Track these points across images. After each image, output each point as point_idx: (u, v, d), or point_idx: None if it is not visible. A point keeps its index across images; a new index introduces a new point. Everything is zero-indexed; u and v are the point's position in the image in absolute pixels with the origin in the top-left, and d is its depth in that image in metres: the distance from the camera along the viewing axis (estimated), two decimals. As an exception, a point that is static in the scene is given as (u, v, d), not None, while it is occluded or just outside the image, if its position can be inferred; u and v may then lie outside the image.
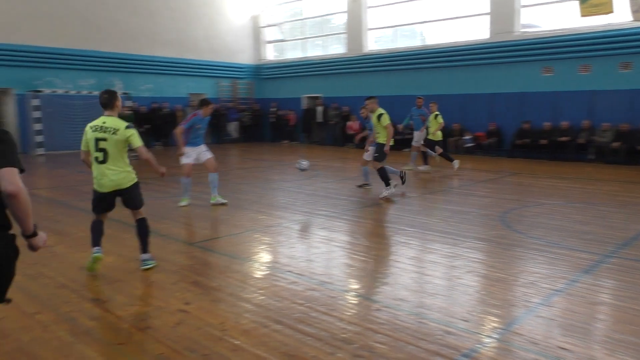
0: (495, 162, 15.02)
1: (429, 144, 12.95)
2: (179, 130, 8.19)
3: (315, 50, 23.38)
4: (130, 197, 5.08)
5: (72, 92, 18.68)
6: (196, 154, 8.46)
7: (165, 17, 21.49)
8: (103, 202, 5.03)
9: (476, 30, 17.78)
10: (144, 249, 5.16)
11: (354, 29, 21.17)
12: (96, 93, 18.80)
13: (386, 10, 20.36)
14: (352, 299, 4.37)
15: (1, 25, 17.12)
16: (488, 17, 17.21)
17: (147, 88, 21.23)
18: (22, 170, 2.47)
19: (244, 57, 24.69)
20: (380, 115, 8.97)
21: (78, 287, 4.63)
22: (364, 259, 5.58)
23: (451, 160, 12.62)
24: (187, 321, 3.87)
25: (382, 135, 8.95)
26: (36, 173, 13.40)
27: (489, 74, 17.27)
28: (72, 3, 18.80)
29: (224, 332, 3.69)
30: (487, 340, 3.57)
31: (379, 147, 9.03)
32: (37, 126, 17.75)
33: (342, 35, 22.05)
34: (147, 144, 18.86)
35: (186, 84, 22.61)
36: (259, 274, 5.06)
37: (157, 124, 20.71)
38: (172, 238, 6.37)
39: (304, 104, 23.01)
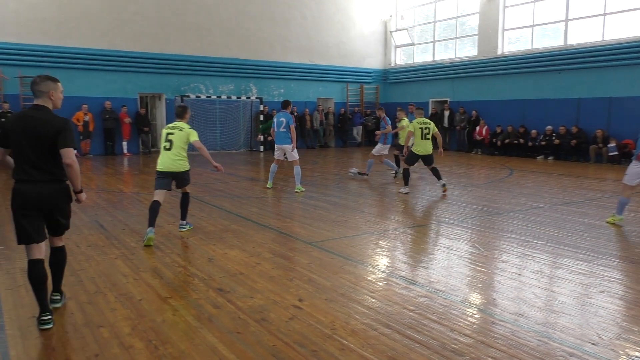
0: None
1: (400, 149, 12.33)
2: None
3: (445, 53, 22.81)
4: (182, 179, 6.76)
5: (213, 97, 20.26)
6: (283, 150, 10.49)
7: (298, 25, 22.44)
8: (162, 178, 6.63)
9: (628, 26, 16.07)
10: (184, 216, 7.01)
11: (487, 30, 20.31)
12: (234, 98, 20.24)
13: (525, 9, 19.18)
14: (467, 310, 4.21)
15: (156, 37, 19.16)
16: (642, 12, 15.51)
17: (279, 93, 22.31)
18: (76, 149, 3.98)
19: (372, 61, 24.90)
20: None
21: (205, 276, 5.02)
22: (482, 269, 5.34)
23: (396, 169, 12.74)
24: (300, 317, 4.02)
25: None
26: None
27: (642, 74, 15.54)
28: (218, 14, 20.42)
29: (334, 331, 3.77)
30: (616, 368, 3.24)
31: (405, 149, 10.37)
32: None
33: (473, 38, 21.26)
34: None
35: (315, 88, 23.38)
36: (371, 277, 5.08)
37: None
38: (292, 236, 6.64)
39: (431, 109, 22.56)
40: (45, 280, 3.89)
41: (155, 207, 6.41)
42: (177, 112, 6.98)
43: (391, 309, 4.20)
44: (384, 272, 5.24)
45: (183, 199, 6.97)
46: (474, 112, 20.33)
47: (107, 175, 13.19)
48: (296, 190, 10.15)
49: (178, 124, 6.79)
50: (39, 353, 3.43)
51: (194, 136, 6.69)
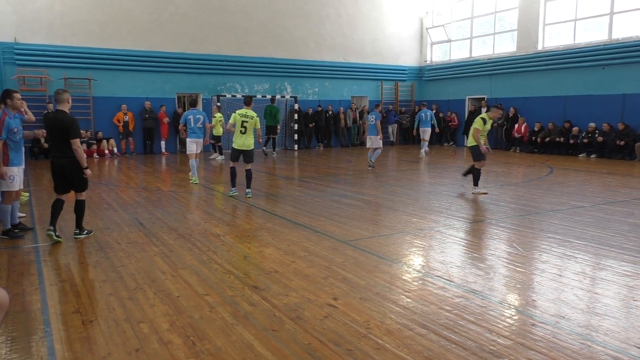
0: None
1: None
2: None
3: (482, 49, 22.38)
4: (248, 155, 9.29)
5: (248, 96, 20.44)
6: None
7: (333, 23, 22.41)
8: (236, 154, 9.35)
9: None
10: (249, 185, 9.35)
11: (527, 25, 19.82)
12: (269, 97, 20.40)
13: (567, 2, 18.60)
14: (505, 311, 4.12)
15: (193, 38, 19.50)
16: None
17: (313, 91, 22.36)
18: (81, 137, 6.20)
19: (408, 59, 24.66)
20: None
21: (241, 274, 5.08)
22: (521, 270, 5.22)
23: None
24: (334, 316, 4.01)
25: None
26: (214, 170, 14.95)
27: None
28: (255, 14, 20.61)
29: (369, 330, 3.75)
30: (664, 374, 3.11)
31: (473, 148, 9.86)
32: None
33: (512, 33, 20.79)
34: (309, 144, 19.89)
35: (349, 86, 23.32)
36: (407, 276, 5.03)
37: (320, 125, 21.76)
38: (326, 235, 6.64)
39: (469, 106, 22.18)
40: (58, 209, 6.30)
41: (234, 171, 9.49)
42: (246, 101, 9.52)
43: (427, 309, 4.15)
44: (419, 271, 5.19)
45: (247, 173, 9.38)
46: (512, 109, 19.88)
47: (145, 173, 13.51)
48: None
49: (249, 112, 9.26)
50: (82, 347, 3.54)
51: (258, 124, 9.34)
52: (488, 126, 9.60)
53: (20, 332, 3.76)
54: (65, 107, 6.18)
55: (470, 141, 9.77)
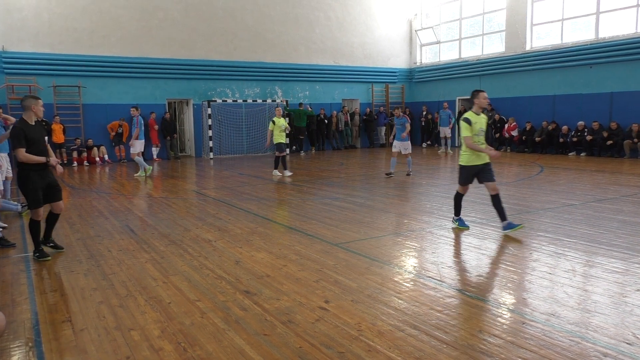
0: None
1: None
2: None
3: (471, 50, 22.50)
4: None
5: (239, 101, 20.46)
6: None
7: (323, 27, 22.46)
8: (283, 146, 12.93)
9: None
10: (282, 166, 11.34)
11: (515, 26, 19.96)
12: (260, 101, 20.42)
13: (554, 3, 18.74)
14: (496, 310, 4.14)
15: (183, 44, 19.47)
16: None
17: (304, 95, 22.38)
18: (22, 147, 5.58)
19: (398, 61, 24.75)
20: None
21: (233, 279, 5.07)
22: (512, 269, 5.24)
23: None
24: (326, 319, 4.01)
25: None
26: (206, 175, 14.92)
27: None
28: (245, 19, 20.61)
29: (360, 332, 3.76)
30: (653, 369, 3.14)
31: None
32: (209, 132, 19.73)
33: (500, 34, 20.92)
34: (302, 147, 19.94)
35: (340, 89, 23.36)
36: (398, 277, 5.04)
37: (311, 129, 21.78)
38: (318, 238, 6.64)
39: (459, 107, 22.28)
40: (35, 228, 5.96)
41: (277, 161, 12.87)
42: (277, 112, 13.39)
43: (418, 309, 4.16)
44: (410, 272, 5.20)
45: (283, 159, 12.92)
46: (496, 115, 19.99)
47: (137, 180, 13.45)
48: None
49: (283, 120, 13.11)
50: (72, 356, 3.52)
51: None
52: (479, 125, 6.81)
53: (11, 342, 3.73)
54: (29, 115, 5.75)
55: (462, 158, 6.97)
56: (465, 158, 6.88)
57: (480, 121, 6.84)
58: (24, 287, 4.99)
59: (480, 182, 6.92)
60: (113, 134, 18.19)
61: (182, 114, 21.18)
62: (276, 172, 13.35)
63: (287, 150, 11.72)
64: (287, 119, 13.41)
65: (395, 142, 12.81)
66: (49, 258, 5.90)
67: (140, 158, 13.94)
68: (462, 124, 6.78)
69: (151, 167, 14.06)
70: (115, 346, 3.62)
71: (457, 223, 7.11)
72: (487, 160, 6.97)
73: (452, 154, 18.94)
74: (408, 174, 12.83)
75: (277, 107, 14.84)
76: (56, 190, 6.06)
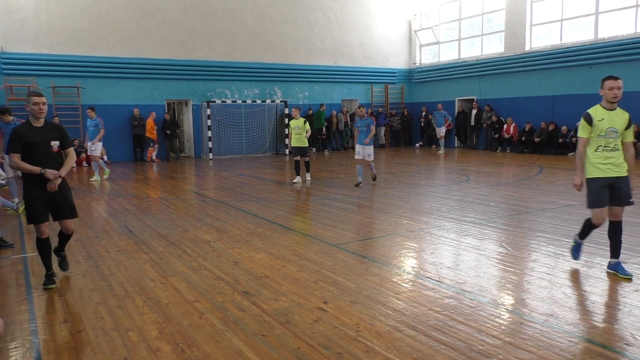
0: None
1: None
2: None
3: (471, 51, 22.50)
4: (305, 152, 12.07)
5: (239, 102, 20.45)
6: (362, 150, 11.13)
7: (322, 27, 22.45)
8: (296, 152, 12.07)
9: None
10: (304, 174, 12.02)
11: (514, 26, 19.96)
12: (259, 102, 20.40)
13: (553, 3, 18.74)
14: (494, 311, 4.13)
15: (182, 44, 19.46)
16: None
17: (303, 95, 22.38)
18: (14, 151, 4.83)
19: (397, 61, 24.74)
20: None
21: (231, 280, 5.06)
22: (511, 269, 5.24)
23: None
24: (324, 319, 4.01)
25: None
26: (205, 176, 14.91)
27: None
28: (243, 20, 20.59)
29: (358, 333, 3.75)
30: (651, 370, 3.13)
31: None
32: (208, 133, 19.72)
33: (500, 34, 20.92)
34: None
35: (339, 90, 23.36)
36: (397, 278, 5.04)
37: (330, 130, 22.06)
38: (317, 239, 6.64)
39: (458, 107, 22.28)
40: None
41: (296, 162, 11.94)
42: (293, 115, 12.05)
43: (417, 310, 4.15)
44: (409, 273, 5.19)
45: (300, 164, 11.83)
46: (494, 117, 19.99)
47: (136, 181, 13.44)
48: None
49: (297, 121, 11.78)
50: (70, 357, 3.51)
51: (309, 128, 11.83)
52: (607, 123, 5.46)
53: (9, 343, 3.72)
54: (31, 116, 5.02)
55: (586, 169, 5.20)
56: (590, 168, 5.09)
57: (611, 118, 5.27)
58: (22, 287, 4.98)
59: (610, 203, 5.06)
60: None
61: (181, 114, 21.17)
62: (297, 179, 11.89)
63: (299, 155, 11.43)
64: (305, 121, 11.97)
65: (358, 147, 11.08)
66: (54, 286, 4.97)
67: (101, 161, 13.66)
68: (580, 122, 5.41)
69: (108, 171, 13.79)
70: (113, 347, 3.62)
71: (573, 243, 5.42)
72: (624, 171, 5.04)
73: (446, 154, 18.91)
74: (374, 179, 11.54)
75: (295, 107, 12.85)
76: (62, 207, 5.04)
